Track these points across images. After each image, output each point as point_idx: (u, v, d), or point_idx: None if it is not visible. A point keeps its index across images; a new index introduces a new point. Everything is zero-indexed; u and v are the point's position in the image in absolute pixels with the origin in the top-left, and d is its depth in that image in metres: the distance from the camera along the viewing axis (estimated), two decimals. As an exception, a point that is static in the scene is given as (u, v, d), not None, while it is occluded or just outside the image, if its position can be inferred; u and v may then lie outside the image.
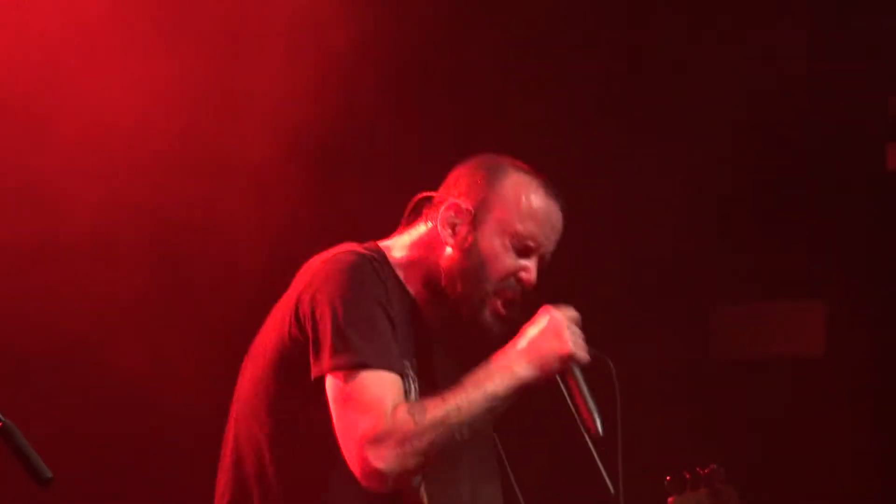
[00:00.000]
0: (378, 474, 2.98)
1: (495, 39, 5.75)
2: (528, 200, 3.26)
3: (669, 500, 4.29)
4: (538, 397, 3.21)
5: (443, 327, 3.30)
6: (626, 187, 5.84)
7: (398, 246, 3.27)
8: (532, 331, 3.10)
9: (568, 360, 3.09)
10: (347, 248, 3.17)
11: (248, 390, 3.18)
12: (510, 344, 3.12)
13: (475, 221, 3.24)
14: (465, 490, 4.48)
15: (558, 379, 3.21)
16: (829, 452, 5.82)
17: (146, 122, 5.30)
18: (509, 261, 3.22)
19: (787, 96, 5.85)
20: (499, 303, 3.19)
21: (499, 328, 3.21)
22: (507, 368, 3.07)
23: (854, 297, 5.97)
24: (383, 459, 2.97)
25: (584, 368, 3.18)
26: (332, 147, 5.32)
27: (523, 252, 3.23)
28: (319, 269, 3.11)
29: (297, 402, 3.12)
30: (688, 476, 4.17)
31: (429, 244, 3.25)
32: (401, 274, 3.22)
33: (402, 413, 2.97)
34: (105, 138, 5.24)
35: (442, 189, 3.29)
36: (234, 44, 5.48)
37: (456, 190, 3.27)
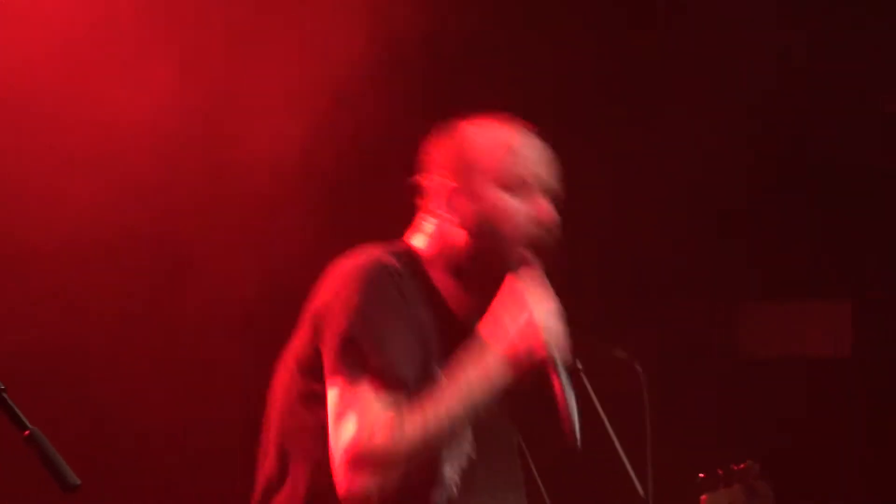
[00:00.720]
0: (358, 498, 3.00)
1: (499, 39, 5.82)
2: (504, 141, 3.19)
3: (702, 497, 4.29)
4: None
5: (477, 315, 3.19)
6: (651, 184, 5.85)
7: (423, 235, 3.23)
8: (511, 329, 3.04)
9: (545, 364, 3.04)
10: (366, 252, 3.15)
11: (281, 396, 3.22)
12: (488, 338, 3.10)
13: (467, 190, 3.15)
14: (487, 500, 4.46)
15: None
16: (856, 452, 5.85)
17: (157, 131, 5.33)
18: (517, 208, 3.14)
19: (813, 89, 5.88)
20: (527, 254, 3.12)
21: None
22: (488, 378, 3.03)
23: (882, 297, 5.96)
24: (362, 484, 2.98)
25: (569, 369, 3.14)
26: (340, 169, 5.35)
27: (526, 193, 3.14)
28: (332, 277, 3.10)
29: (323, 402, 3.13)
30: (721, 473, 4.17)
31: (440, 234, 3.19)
32: (434, 265, 3.19)
33: (382, 435, 2.96)
34: (110, 142, 5.30)
35: (424, 175, 3.24)
36: (244, 58, 5.49)
37: (436, 170, 3.20)
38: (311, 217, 5.37)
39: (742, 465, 4.09)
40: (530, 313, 3.05)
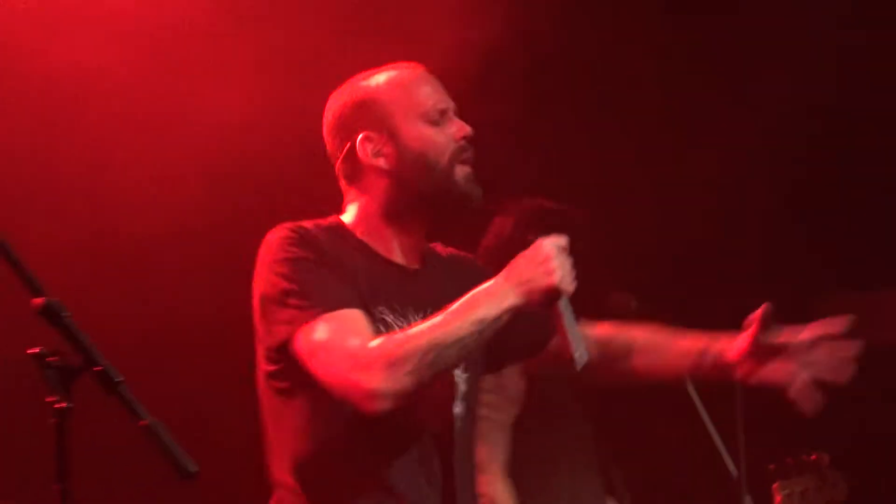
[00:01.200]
0: (373, 394, 2.93)
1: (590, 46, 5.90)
2: (396, 81, 3.23)
3: (774, 485, 4.39)
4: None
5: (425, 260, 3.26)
6: (719, 176, 5.93)
7: (349, 212, 3.23)
8: (521, 261, 3.07)
9: (553, 292, 3.04)
10: (278, 227, 3.18)
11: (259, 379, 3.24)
12: (499, 273, 3.11)
13: (385, 135, 3.18)
14: (563, 485, 4.55)
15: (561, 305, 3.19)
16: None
17: (250, 128, 5.43)
18: (440, 135, 3.17)
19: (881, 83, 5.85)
20: (465, 168, 3.16)
21: (479, 189, 3.20)
22: (494, 295, 3.02)
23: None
24: (375, 379, 2.92)
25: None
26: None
27: (444, 118, 3.19)
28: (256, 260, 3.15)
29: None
30: (792, 462, 4.26)
31: (366, 188, 3.20)
32: (361, 231, 3.19)
33: (382, 340, 2.94)
34: (207, 139, 5.42)
35: (332, 146, 3.27)
36: (339, 58, 5.09)
37: (341, 133, 3.23)
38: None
39: (813, 456, 4.19)
40: (541, 246, 3.09)
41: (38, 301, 2.27)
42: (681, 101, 5.86)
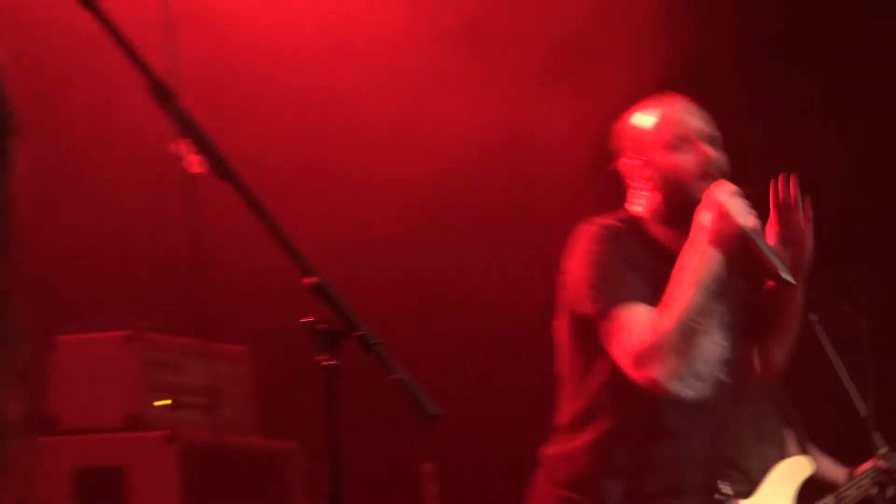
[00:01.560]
0: (658, 384, 3.31)
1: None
2: (658, 113, 3.52)
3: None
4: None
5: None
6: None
7: (637, 209, 3.58)
8: (705, 220, 3.33)
9: (734, 228, 3.30)
10: (593, 221, 3.52)
11: (559, 340, 3.60)
12: (691, 237, 3.38)
13: (647, 160, 3.49)
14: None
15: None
16: None
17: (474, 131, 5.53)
18: (688, 161, 3.45)
19: None
20: (707, 185, 3.41)
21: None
22: (703, 260, 3.32)
23: None
24: (655, 372, 3.29)
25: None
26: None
27: (689, 145, 3.46)
28: (572, 242, 3.52)
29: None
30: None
31: (645, 200, 3.55)
32: (647, 226, 3.52)
33: (651, 331, 3.28)
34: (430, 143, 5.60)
35: (618, 161, 3.60)
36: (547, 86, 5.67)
37: (624, 154, 3.56)
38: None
39: None
40: (716, 200, 3.34)
41: (310, 280, 2.45)
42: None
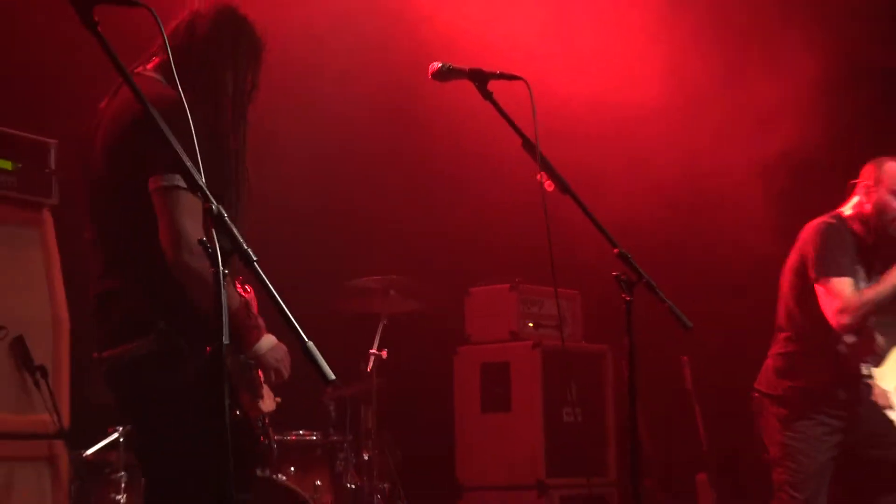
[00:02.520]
0: (846, 327, 3.78)
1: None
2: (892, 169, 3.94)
3: None
4: None
5: (880, 248, 3.92)
6: None
7: (847, 212, 3.98)
8: None
9: None
10: (820, 218, 3.96)
11: (784, 292, 3.97)
12: None
13: (876, 190, 3.86)
14: None
15: None
16: None
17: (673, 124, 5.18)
18: (892, 204, 3.87)
19: None
20: None
21: None
22: None
23: None
24: (847, 320, 3.74)
25: None
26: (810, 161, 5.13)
27: None
28: (805, 231, 3.94)
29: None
30: None
31: (856, 206, 3.93)
32: (852, 224, 3.93)
33: (855, 297, 3.74)
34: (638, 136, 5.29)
35: (859, 179, 3.95)
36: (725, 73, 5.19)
37: (863, 178, 3.94)
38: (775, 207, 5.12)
39: None
40: None
41: (616, 250, 2.61)
42: None
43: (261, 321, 2.54)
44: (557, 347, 5.23)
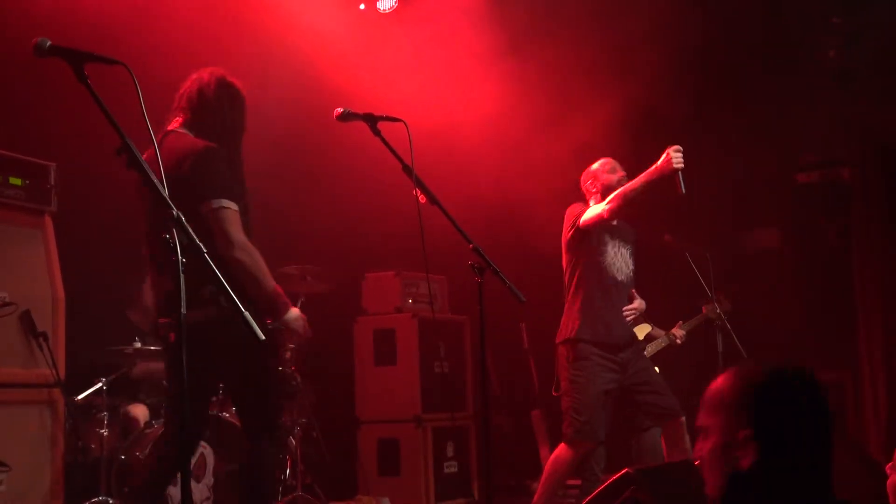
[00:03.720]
0: (611, 213, 3.57)
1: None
2: (599, 164, 3.81)
3: None
4: None
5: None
6: None
7: (592, 204, 3.80)
8: (659, 163, 3.51)
9: (673, 171, 3.50)
10: (574, 204, 3.80)
11: None
12: (649, 169, 3.52)
13: (595, 182, 3.79)
14: None
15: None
16: None
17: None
18: (613, 177, 3.73)
19: None
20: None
21: None
22: (650, 174, 3.51)
23: None
24: (611, 206, 3.57)
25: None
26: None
27: (614, 172, 3.77)
28: (566, 213, 3.79)
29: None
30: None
31: (593, 197, 3.79)
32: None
33: (613, 195, 3.57)
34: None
35: (582, 186, 3.85)
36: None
37: (585, 181, 3.85)
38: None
39: None
40: (668, 154, 3.51)
41: (471, 245, 2.63)
42: None
43: (286, 298, 2.82)
44: (429, 318, 5.30)
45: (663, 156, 3.48)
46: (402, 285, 5.47)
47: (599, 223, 3.66)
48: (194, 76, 2.84)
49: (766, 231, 5.36)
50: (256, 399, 2.66)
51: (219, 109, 2.74)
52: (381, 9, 5.04)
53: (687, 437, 3.74)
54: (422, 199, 2.61)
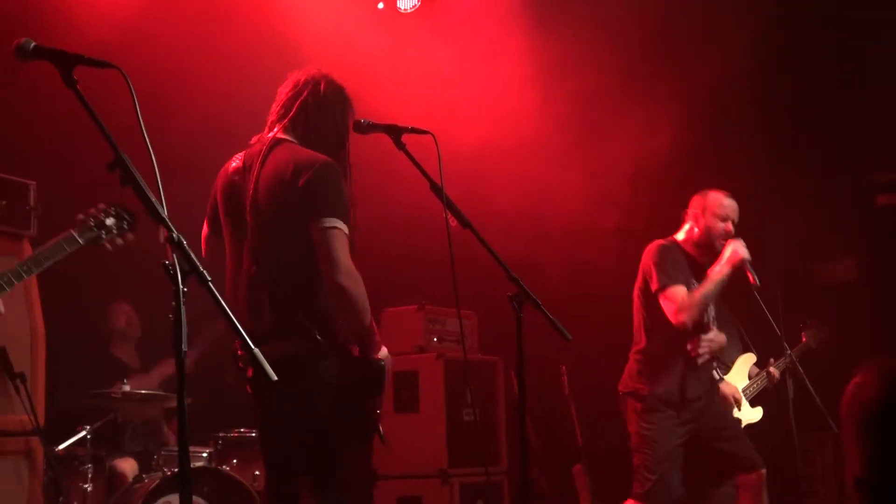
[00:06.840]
0: (685, 324, 3.85)
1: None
2: (718, 201, 4.06)
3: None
4: None
5: (706, 264, 4.12)
6: None
7: (679, 237, 4.11)
8: (725, 254, 3.86)
9: (741, 264, 3.84)
10: (654, 243, 4.07)
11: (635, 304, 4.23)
12: (717, 261, 3.87)
13: (703, 216, 4.01)
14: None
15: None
16: None
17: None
18: (720, 225, 4.03)
19: None
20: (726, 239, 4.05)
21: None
22: (719, 272, 3.85)
23: None
24: (685, 317, 3.85)
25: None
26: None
27: (724, 221, 4.02)
28: (644, 254, 4.06)
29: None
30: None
31: (690, 231, 4.10)
32: (686, 247, 4.10)
33: (688, 298, 3.86)
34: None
35: (689, 208, 4.10)
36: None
37: (693, 206, 4.10)
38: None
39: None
40: (732, 247, 3.90)
41: (509, 275, 2.60)
42: None
43: (380, 336, 2.81)
44: (457, 358, 5.30)
45: (727, 251, 3.76)
46: (425, 321, 5.43)
47: (671, 321, 3.81)
48: (301, 77, 2.78)
49: (843, 261, 5.35)
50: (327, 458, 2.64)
51: (331, 117, 2.71)
52: (402, 8, 5.01)
53: (766, 494, 3.79)
54: (452, 222, 2.55)
